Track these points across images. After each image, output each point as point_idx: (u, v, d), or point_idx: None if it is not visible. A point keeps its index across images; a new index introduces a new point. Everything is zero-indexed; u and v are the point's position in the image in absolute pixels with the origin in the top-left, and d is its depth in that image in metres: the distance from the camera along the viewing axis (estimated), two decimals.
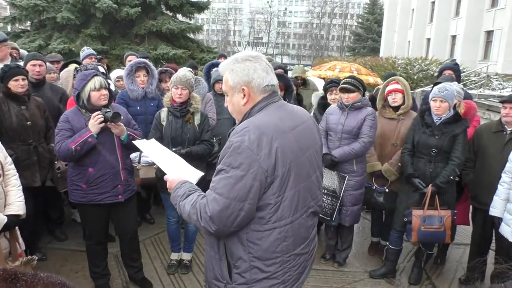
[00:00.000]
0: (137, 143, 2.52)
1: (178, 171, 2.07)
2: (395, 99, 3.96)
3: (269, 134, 1.69)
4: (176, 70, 4.53)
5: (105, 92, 3.11)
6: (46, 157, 3.81)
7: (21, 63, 4.17)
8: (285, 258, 1.83)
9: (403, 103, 3.96)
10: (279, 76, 2.28)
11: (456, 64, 5.18)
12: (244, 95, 1.82)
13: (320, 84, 6.42)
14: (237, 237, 1.78)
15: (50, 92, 4.34)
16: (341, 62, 7.47)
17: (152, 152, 2.38)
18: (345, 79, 4.00)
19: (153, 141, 2.56)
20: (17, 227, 2.71)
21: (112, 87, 4.57)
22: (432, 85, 4.19)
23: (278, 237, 1.78)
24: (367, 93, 5.49)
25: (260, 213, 1.74)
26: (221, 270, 1.86)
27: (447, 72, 4.89)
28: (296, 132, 1.81)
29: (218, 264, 1.88)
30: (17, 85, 3.55)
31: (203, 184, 1.98)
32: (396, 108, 4.00)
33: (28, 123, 3.63)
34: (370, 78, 6.27)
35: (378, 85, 5.76)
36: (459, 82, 5.00)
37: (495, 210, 3.31)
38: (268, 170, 1.68)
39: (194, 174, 2.06)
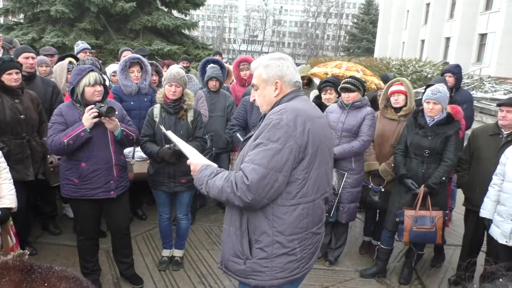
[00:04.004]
0: (162, 128, 2.88)
1: (199, 158, 2.22)
2: (397, 100, 3.99)
3: (302, 116, 1.90)
4: None
5: (100, 88, 3.09)
6: (39, 151, 3.78)
7: None
8: (304, 235, 2.00)
9: (405, 104, 3.99)
10: None
11: (457, 67, 5.41)
12: (276, 88, 2.03)
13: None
14: (262, 212, 1.94)
15: (41, 86, 4.30)
16: (346, 62, 7.50)
17: (175, 139, 2.57)
18: (346, 79, 4.06)
19: (170, 132, 2.75)
20: (11, 222, 2.70)
21: (107, 82, 4.54)
22: (425, 87, 4.23)
23: (301, 213, 1.96)
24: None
25: (288, 188, 1.91)
26: (242, 246, 2.00)
27: (447, 75, 5.19)
28: (321, 121, 2.04)
29: (239, 240, 2.02)
30: (10, 78, 3.51)
31: None
32: (397, 109, 4.03)
33: (21, 116, 3.59)
34: (375, 80, 6.36)
35: (382, 87, 5.79)
36: (458, 85, 5.22)
37: (485, 211, 3.34)
38: (301, 146, 1.88)
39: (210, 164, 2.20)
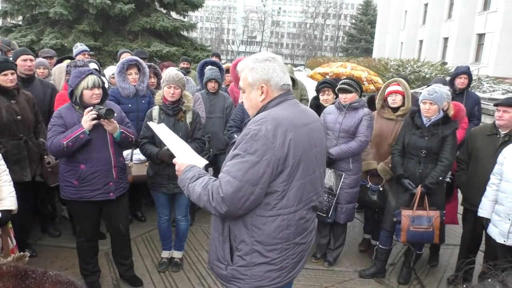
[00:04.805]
0: (150, 124, 2.67)
1: (186, 156, 2.17)
2: (395, 100, 4.02)
3: (284, 126, 1.81)
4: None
5: (98, 91, 3.09)
6: (36, 152, 3.77)
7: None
8: (285, 245, 1.94)
9: (403, 104, 4.01)
10: None
11: (469, 69, 5.55)
12: (262, 92, 1.93)
13: (308, 85, 6.47)
14: (242, 221, 1.89)
15: (40, 88, 4.30)
16: (350, 63, 7.64)
17: (163, 134, 2.48)
18: (343, 80, 4.08)
19: (163, 125, 2.65)
20: (10, 224, 2.71)
21: (106, 84, 4.54)
22: (425, 87, 4.26)
23: (281, 224, 1.89)
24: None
25: (266, 199, 1.85)
26: (224, 252, 1.97)
27: (463, 77, 5.26)
28: (307, 129, 1.94)
29: (221, 246, 1.99)
30: (6, 79, 3.50)
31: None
32: (395, 109, 4.05)
33: (18, 117, 3.58)
34: (379, 80, 6.44)
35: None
36: (469, 86, 5.38)
37: (483, 211, 3.36)
38: (281, 159, 1.80)
39: (200, 161, 2.16)
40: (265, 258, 1.91)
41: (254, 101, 1.97)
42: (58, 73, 4.73)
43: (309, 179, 1.95)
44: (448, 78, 6.28)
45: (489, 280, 0.71)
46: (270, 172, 1.78)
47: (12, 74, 3.55)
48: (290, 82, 1.99)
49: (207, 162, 2.18)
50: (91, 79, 3.04)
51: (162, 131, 2.51)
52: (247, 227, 1.89)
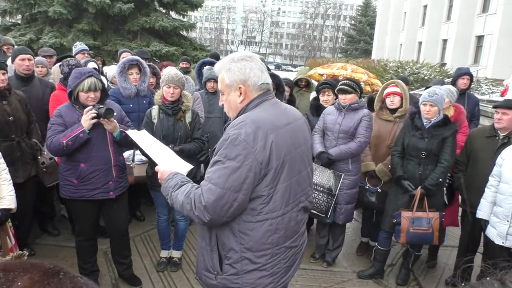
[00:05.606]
0: (130, 132, 2.60)
1: (169, 163, 2.12)
2: (393, 102, 4.03)
3: (264, 128, 1.76)
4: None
5: (93, 95, 3.07)
6: (29, 153, 3.73)
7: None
8: (275, 250, 1.89)
9: (401, 106, 4.02)
10: (271, 76, 2.35)
11: (470, 70, 5.62)
12: (241, 93, 1.86)
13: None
14: (229, 228, 1.84)
15: (39, 87, 4.28)
16: (350, 64, 7.70)
17: (144, 142, 2.42)
18: (343, 81, 4.08)
19: (144, 132, 2.61)
20: (10, 223, 2.70)
21: (106, 84, 4.52)
22: (424, 89, 4.28)
23: (269, 229, 1.84)
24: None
25: (252, 204, 1.80)
26: (212, 261, 1.92)
27: (466, 78, 5.29)
28: (289, 128, 1.88)
29: (209, 255, 1.93)
30: None
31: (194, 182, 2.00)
32: (393, 111, 4.06)
33: (10, 118, 3.52)
34: (379, 82, 6.48)
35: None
36: (470, 87, 5.47)
37: (482, 212, 3.36)
38: (263, 162, 1.74)
39: (184, 166, 2.11)
40: (255, 265, 1.86)
41: (233, 103, 1.90)
42: (57, 73, 4.72)
43: (295, 180, 1.90)
44: (447, 80, 6.33)
45: (488, 278, 0.71)
46: (253, 177, 1.73)
47: (3, 74, 3.49)
48: (269, 81, 1.93)
49: (192, 167, 2.12)
50: (87, 83, 3.01)
51: (143, 139, 2.44)
52: (235, 234, 1.84)
